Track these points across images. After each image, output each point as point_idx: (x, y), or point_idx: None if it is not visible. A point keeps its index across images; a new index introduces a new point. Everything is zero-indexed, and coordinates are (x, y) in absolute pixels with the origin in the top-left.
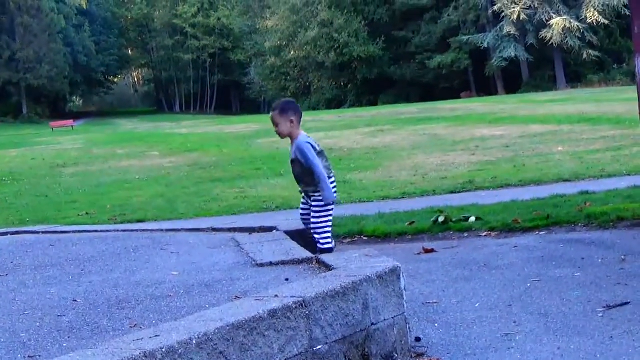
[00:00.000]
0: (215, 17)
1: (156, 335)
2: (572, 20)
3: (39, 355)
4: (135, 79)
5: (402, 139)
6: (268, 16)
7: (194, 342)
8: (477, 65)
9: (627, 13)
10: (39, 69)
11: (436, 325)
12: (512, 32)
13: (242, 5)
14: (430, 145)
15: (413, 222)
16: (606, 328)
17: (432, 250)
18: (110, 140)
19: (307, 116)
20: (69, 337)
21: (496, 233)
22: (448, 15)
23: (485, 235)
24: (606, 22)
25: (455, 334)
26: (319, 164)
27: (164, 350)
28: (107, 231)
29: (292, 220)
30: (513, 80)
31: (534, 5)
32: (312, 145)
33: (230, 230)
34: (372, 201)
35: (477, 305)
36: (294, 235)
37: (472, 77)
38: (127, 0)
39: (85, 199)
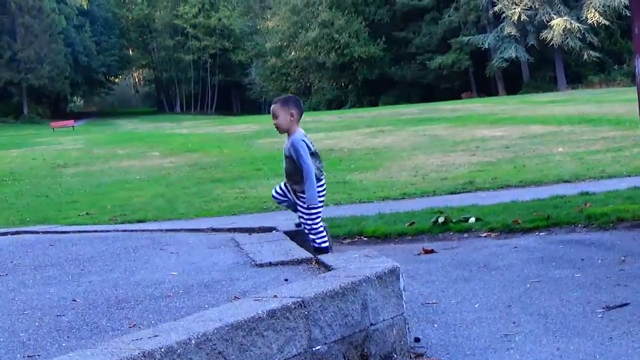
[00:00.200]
0: (216, 17)
1: (155, 335)
2: (572, 21)
3: (38, 355)
4: (136, 80)
5: (403, 140)
6: (269, 17)
7: (193, 342)
8: (478, 66)
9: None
10: (39, 69)
11: (435, 325)
12: (512, 33)
13: (242, 6)
14: (431, 145)
15: (413, 222)
16: (605, 329)
17: (431, 251)
18: (111, 140)
19: (307, 117)
20: (68, 337)
21: (496, 234)
22: (449, 16)
23: (485, 236)
24: (607, 23)
25: (454, 335)
26: (310, 164)
27: (162, 350)
28: (107, 231)
29: (292, 220)
30: (514, 81)
31: (535, 6)
32: (306, 144)
33: (229, 230)
34: (372, 202)
35: (476, 305)
36: (294, 235)
37: (472, 78)
38: (128, 1)
39: (85, 199)
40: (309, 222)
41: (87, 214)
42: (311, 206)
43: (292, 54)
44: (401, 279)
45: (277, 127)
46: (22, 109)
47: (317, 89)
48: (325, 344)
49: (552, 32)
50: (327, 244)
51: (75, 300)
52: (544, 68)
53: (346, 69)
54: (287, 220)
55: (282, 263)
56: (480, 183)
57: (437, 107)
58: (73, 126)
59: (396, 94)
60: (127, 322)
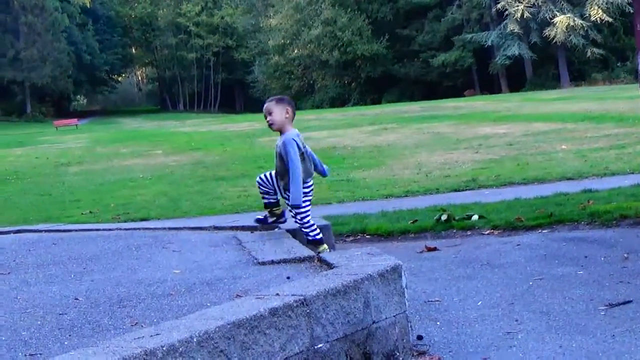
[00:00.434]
0: (219, 15)
1: (157, 334)
2: (575, 18)
3: (40, 354)
4: (139, 78)
5: (406, 138)
6: (271, 15)
7: (195, 340)
8: (481, 64)
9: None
10: (42, 68)
11: (438, 323)
12: (515, 31)
13: (245, 4)
14: (434, 143)
15: (416, 220)
16: (608, 326)
17: (434, 249)
18: (114, 138)
19: (310, 114)
20: (70, 335)
21: (499, 231)
22: (452, 14)
23: (488, 234)
24: (610, 20)
25: (457, 332)
26: (297, 165)
27: (164, 348)
28: (110, 230)
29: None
30: (517, 79)
31: (538, 3)
32: (297, 145)
33: (232, 228)
34: (375, 199)
35: (479, 303)
36: (296, 233)
37: (475, 75)
38: None
39: (88, 198)
40: (297, 217)
41: (90, 212)
42: (295, 205)
43: (295, 51)
44: (403, 277)
45: (270, 125)
46: (25, 108)
47: (320, 86)
48: (328, 342)
49: (555, 30)
50: (320, 235)
51: (77, 299)
52: (547, 65)
53: (349, 67)
54: (289, 218)
55: (285, 261)
56: (484, 181)
57: (440, 104)
58: (76, 125)
59: (399, 92)
60: (129, 321)
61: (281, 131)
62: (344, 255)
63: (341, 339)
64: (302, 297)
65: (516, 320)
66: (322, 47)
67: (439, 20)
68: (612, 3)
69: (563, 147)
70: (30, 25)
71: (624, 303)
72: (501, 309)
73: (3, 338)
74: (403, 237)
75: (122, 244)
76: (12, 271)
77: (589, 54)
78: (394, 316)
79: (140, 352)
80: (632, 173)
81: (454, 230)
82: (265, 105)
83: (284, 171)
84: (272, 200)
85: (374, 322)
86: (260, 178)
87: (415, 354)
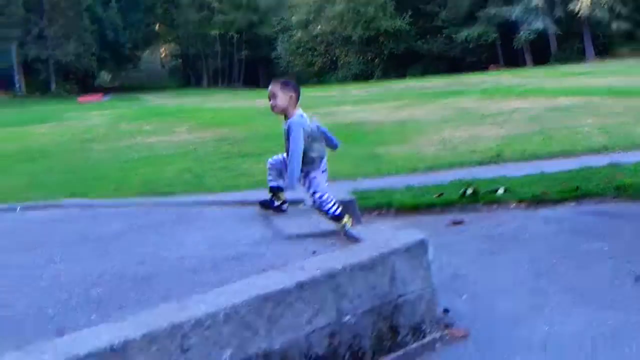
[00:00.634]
0: None
1: (184, 308)
2: None
3: (67, 329)
4: (163, 55)
5: (430, 113)
6: None
7: (222, 314)
8: (505, 38)
9: None
10: (66, 46)
11: (464, 297)
12: (540, 5)
13: None
14: (458, 118)
15: (441, 194)
16: (635, 300)
17: (460, 223)
18: (139, 115)
19: (334, 90)
20: (96, 311)
21: (525, 205)
22: None
23: (513, 208)
24: None
25: (483, 306)
26: (299, 147)
27: (191, 322)
28: (135, 206)
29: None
30: (541, 53)
31: None
32: (303, 128)
33: (257, 204)
34: (401, 174)
35: (505, 277)
36: None
37: (500, 50)
38: None
39: (113, 174)
40: (317, 196)
41: (115, 189)
42: (289, 187)
43: (318, 28)
44: (430, 251)
45: (272, 107)
46: (50, 86)
47: (343, 63)
48: (354, 315)
49: (580, 3)
50: (339, 210)
51: (103, 275)
52: (571, 39)
53: (372, 43)
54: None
55: (310, 235)
56: (509, 155)
57: (465, 79)
58: (100, 101)
59: (423, 68)
60: (155, 296)
61: (285, 115)
62: (370, 229)
63: (367, 312)
64: (328, 271)
65: (542, 294)
66: (345, 23)
67: None
68: None
69: (588, 121)
70: (53, 4)
71: None
72: (527, 283)
73: (30, 315)
74: (429, 211)
75: (147, 221)
76: (37, 248)
77: (614, 27)
78: (420, 290)
79: (167, 325)
80: None
81: (480, 204)
82: (270, 88)
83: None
84: (279, 185)
85: (400, 296)
86: (271, 161)
87: (441, 327)
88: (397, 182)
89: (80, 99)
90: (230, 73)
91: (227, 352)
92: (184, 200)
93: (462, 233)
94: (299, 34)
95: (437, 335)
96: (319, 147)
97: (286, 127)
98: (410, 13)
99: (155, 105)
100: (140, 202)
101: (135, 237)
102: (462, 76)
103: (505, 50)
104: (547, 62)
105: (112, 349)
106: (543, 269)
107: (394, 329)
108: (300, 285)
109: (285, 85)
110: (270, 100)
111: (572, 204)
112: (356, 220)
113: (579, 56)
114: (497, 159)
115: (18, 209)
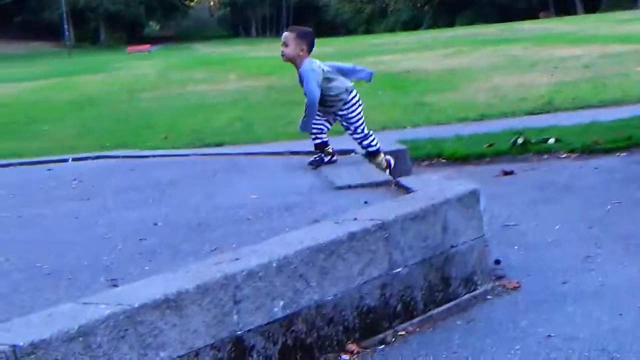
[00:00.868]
0: None
1: (236, 259)
2: None
3: (122, 279)
4: (212, 3)
5: (480, 60)
6: None
7: (274, 265)
8: None
9: None
10: None
11: (515, 247)
12: None
13: None
14: (509, 66)
15: (492, 144)
16: None
17: (511, 173)
18: (187, 64)
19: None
20: (150, 261)
21: (576, 155)
22: None
23: (564, 157)
24: None
25: (535, 257)
26: (313, 92)
27: (244, 273)
28: (186, 155)
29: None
30: (592, 0)
31: None
32: (315, 72)
33: (309, 153)
34: (450, 123)
35: (557, 227)
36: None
37: None
38: None
39: (163, 124)
40: (355, 131)
41: (165, 138)
42: (302, 130)
43: None
44: (481, 201)
45: (282, 55)
46: (99, 35)
47: (392, 10)
48: (406, 266)
49: None
50: (378, 145)
51: (156, 224)
52: None
53: None
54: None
55: (362, 186)
56: (560, 103)
57: (515, 26)
58: (149, 51)
59: (473, 14)
60: (208, 246)
61: (295, 64)
62: (421, 179)
63: (419, 264)
64: (380, 222)
65: (595, 244)
66: None
67: None
68: None
69: None
70: None
71: None
72: (579, 233)
73: (85, 263)
74: (479, 161)
75: (198, 170)
76: (91, 197)
77: None
78: (471, 240)
79: (220, 276)
80: None
81: (531, 154)
82: (284, 34)
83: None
84: (324, 140)
85: (452, 247)
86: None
87: (493, 278)
88: (447, 131)
89: (130, 48)
90: (278, 21)
91: (280, 304)
92: (236, 150)
93: (513, 183)
94: None
95: (488, 286)
96: (337, 85)
97: (299, 76)
98: None
99: (204, 54)
100: (192, 152)
101: (188, 186)
102: (512, 24)
103: None
104: (598, 9)
105: (167, 300)
106: (595, 218)
107: (446, 281)
108: (352, 236)
109: (299, 36)
110: (282, 47)
111: (624, 153)
112: (407, 171)
113: (629, 2)
114: (547, 107)
115: (70, 159)
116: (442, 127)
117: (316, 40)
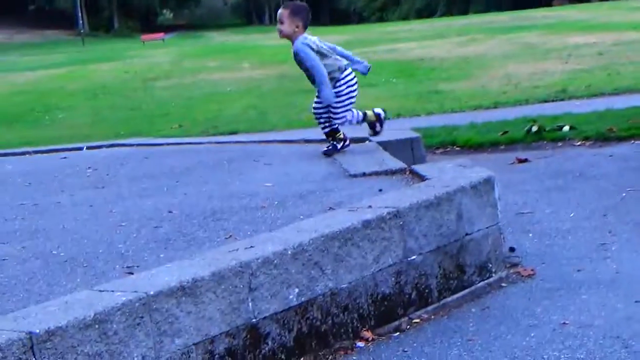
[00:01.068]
0: None
1: (251, 246)
2: None
3: (137, 266)
4: None
5: (494, 48)
6: None
7: (289, 252)
8: None
9: None
10: None
11: (530, 235)
12: None
13: None
14: (522, 53)
15: (506, 131)
16: None
17: (525, 160)
18: (201, 52)
19: (397, 26)
20: (165, 248)
21: (590, 142)
22: None
23: (579, 145)
24: None
25: (549, 244)
26: (317, 64)
27: (259, 260)
28: (200, 143)
29: (386, 130)
30: None
31: None
32: (309, 46)
33: (322, 141)
34: (464, 111)
35: (571, 215)
36: (387, 146)
37: None
38: None
39: (177, 112)
40: (334, 111)
41: (179, 126)
42: (327, 104)
43: None
44: (496, 189)
45: (279, 32)
46: (113, 23)
47: None
48: (421, 254)
49: None
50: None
51: (171, 212)
52: None
53: None
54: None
55: (376, 173)
56: (574, 91)
57: (529, 14)
58: (163, 39)
59: (486, 2)
60: (223, 233)
61: (291, 40)
62: (436, 167)
63: (434, 251)
64: (395, 210)
65: (610, 232)
66: None
67: None
68: None
69: None
70: None
71: None
72: (594, 221)
73: (100, 251)
74: (493, 149)
75: (213, 158)
76: (106, 185)
77: None
78: (486, 228)
79: (235, 264)
80: None
81: (545, 142)
82: (279, 11)
83: (311, 76)
84: (332, 127)
85: (466, 234)
86: (314, 111)
87: (507, 265)
88: (461, 118)
89: (144, 37)
90: None
91: (295, 291)
92: (250, 138)
93: (527, 171)
94: None
95: (503, 274)
96: (331, 62)
97: (293, 53)
98: None
99: (218, 42)
100: (206, 140)
101: (202, 173)
102: (525, 11)
103: None
104: None
105: (182, 288)
106: (610, 206)
107: (460, 268)
108: (367, 224)
109: (293, 13)
110: (278, 24)
111: (639, 141)
112: (421, 158)
113: None
114: (561, 94)
115: (84, 148)
116: (456, 115)
117: (330, 29)
